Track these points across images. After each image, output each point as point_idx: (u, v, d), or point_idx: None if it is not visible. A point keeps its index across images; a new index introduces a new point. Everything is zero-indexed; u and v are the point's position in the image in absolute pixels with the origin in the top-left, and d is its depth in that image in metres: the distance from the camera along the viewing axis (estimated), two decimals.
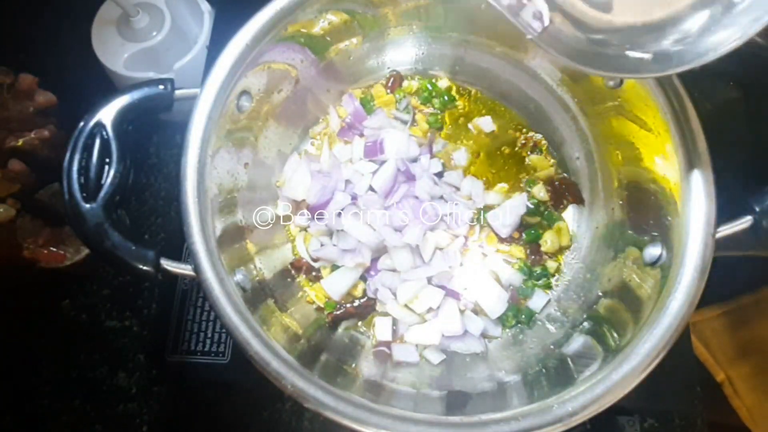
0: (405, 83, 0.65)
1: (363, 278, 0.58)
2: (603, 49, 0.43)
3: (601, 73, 0.50)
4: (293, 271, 0.59)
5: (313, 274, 0.59)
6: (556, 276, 0.59)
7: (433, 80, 0.66)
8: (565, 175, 0.62)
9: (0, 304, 0.65)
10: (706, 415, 0.61)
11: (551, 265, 0.59)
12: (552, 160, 0.63)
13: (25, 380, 0.66)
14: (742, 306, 0.66)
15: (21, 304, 0.67)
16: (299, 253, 0.59)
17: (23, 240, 0.65)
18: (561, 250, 0.60)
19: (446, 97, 0.65)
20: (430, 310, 0.56)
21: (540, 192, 0.61)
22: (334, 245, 0.57)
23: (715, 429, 0.65)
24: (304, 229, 0.60)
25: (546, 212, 0.61)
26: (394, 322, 0.56)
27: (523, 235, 0.60)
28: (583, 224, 0.60)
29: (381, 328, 0.56)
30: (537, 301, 0.58)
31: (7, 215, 0.64)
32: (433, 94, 0.65)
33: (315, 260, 0.59)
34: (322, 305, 0.58)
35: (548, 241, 0.59)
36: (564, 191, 0.61)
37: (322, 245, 0.58)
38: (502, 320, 0.57)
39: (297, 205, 0.60)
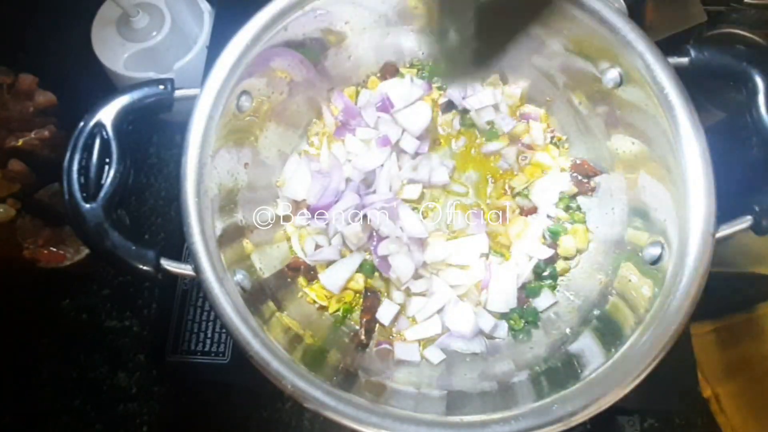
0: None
1: (371, 269, 0.57)
2: None
3: None
4: (290, 272, 0.59)
5: (311, 273, 0.58)
6: (562, 277, 0.59)
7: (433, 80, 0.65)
8: (583, 158, 0.60)
9: (0, 304, 0.65)
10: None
11: (560, 265, 0.59)
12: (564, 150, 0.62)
13: (25, 380, 0.66)
14: (734, 324, 0.66)
15: (21, 304, 0.67)
16: (295, 252, 0.59)
17: (23, 240, 0.65)
18: (577, 253, 0.59)
19: None
20: (438, 306, 0.55)
21: (566, 184, 0.60)
22: (330, 245, 0.57)
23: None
24: (299, 228, 0.60)
25: (571, 209, 0.60)
26: (399, 311, 0.56)
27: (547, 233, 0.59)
28: None
29: (384, 311, 0.56)
30: (543, 300, 0.57)
31: (7, 215, 0.64)
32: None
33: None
34: (323, 304, 0.57)
35: (566, 243, 0.58)
36: (586, 173, 0.60)
37: (317, 245, 0.58)
38: (507, 320, 0.57)
39: (297, 205, 0.60)
